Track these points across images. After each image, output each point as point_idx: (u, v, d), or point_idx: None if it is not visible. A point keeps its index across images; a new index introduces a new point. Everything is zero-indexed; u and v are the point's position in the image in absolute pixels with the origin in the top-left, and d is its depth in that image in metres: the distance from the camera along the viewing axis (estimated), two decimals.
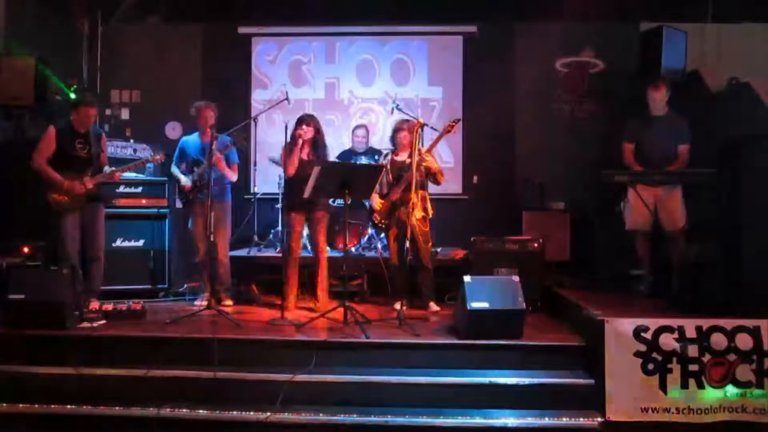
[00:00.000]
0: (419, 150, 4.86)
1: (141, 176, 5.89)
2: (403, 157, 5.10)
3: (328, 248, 5.40)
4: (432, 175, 5.04)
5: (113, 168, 5.07)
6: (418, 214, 4.97)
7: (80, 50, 7.02)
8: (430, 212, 5.08)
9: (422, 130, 4.91)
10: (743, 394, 3.79)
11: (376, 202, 5.10)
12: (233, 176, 5.38)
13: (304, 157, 5.11)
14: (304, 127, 5.07)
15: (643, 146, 5.17)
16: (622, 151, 5.26)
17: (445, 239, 6.28)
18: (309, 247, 5.73)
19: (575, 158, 6.70)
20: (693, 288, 4.52)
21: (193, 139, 5.46)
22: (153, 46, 7.14)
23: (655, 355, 3.82)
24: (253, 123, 6.13)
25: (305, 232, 5.67)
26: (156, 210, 5.83)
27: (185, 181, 5.35)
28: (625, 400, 3.78)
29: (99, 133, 5.16)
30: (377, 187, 4.96)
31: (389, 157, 5.20)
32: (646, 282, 5.15)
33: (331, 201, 5.39)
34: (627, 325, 3.86)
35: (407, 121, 5.14)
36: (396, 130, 5.16)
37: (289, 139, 5.04)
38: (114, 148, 5.96)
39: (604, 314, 3.99)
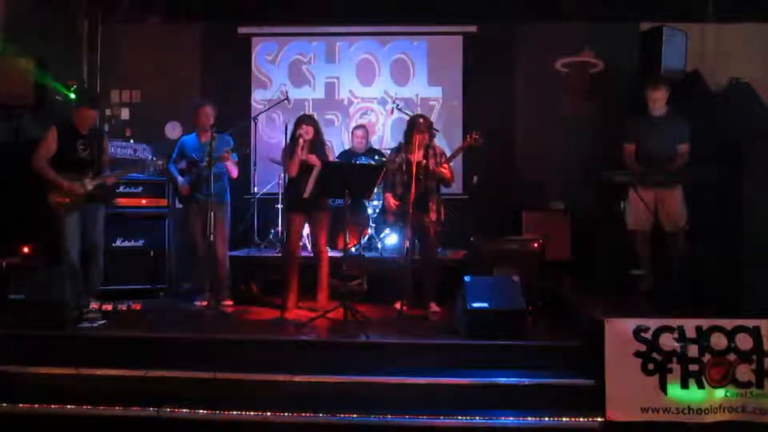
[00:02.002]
0: (444, 161, 5.02)
1: (141, 176, 5.88)
2: (418, 157, 5.01)
3: (328, 248, 5.40)
4: (445, 181, 5.08)
5: (116, 170, 5.07)
6: (433, 215, 5.01)
7: (80, 50, 7.01)
8: (443, 214, 5.12)
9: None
10: (743, 394, 3.79)
11: (391, 201, 5.10)
12: (234, 172, 5.37)
13: (304, 157, 5.10)
14: (304, 127, 5.07)
15: (644, 147, 5.16)
16: (622, 152, 5.26)
17: (445, 239, 6.25)
18: (309, 248, 5.73)
19: (575, 158, 6.68)
20: (693, 288, 4.52)
21: (191, 139, 5.45)
22: (153, 46, 7.12)
23: (655, 355, 3.82)
24: (253, 123, 6.15)
25: (305, 232, 5.68)
26: (156, 210, 5.83)
27: (182, 182, 5.36)
28: (625, 400, 3.78)
29: (101, 135, 5.16)
30: (390, 186, 5.03)
31: (402, 155, 5.13)
32: (646, 282, 5.15)
33: (331, 201, 5.39)
34: (627, 325, 3.86)
35: (422, 116, 5.15)
36: (415, 129, 5.01)
37: (289, 140, 5.03)
38: (114, 148, 5.94)
39: (604, 314, 4.00)
